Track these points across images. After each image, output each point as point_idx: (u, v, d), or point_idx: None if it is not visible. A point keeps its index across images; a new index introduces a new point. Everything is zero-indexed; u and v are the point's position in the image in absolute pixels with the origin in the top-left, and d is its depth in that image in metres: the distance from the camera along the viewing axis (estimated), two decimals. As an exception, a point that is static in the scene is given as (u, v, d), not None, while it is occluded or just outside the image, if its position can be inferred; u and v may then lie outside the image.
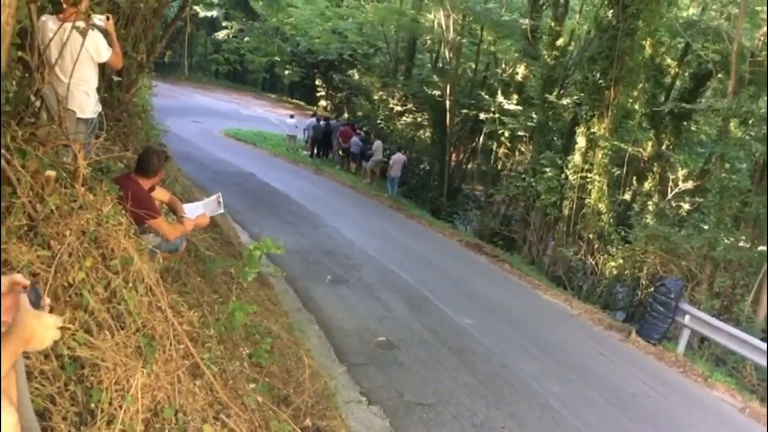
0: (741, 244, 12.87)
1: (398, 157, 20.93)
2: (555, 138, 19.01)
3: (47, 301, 1.95)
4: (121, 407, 2.65)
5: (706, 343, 11.08)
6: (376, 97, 27.85)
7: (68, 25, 3.90)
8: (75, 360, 2.68)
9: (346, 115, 33.91)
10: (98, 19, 4.71)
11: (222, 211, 5.21)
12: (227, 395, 3.46)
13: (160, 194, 4.97)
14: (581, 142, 15.54)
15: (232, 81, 48.95)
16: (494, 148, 22.36)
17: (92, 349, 2.73)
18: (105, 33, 4.81)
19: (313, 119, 26.55)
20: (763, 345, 9.18)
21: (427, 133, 25.98)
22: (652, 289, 11.77)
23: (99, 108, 4.88)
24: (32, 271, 2.72)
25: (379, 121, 26.17)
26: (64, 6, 4.19)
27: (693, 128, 18.59)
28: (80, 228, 3.06)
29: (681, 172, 16.33)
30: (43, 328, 1.79)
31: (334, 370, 7.03)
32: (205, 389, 3.34)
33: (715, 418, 8.23)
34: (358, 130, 25.11)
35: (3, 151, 2.86)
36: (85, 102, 4.63)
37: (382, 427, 6.23)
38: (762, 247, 12.42)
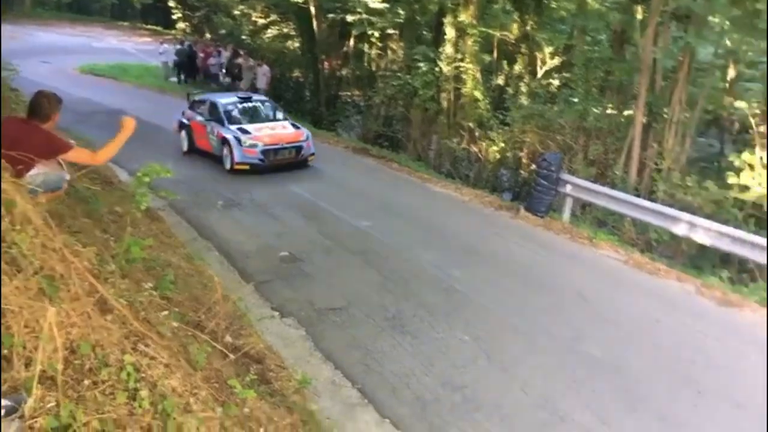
0: (609, 111, 13.60)
1: (264, 70, 20.59)
2: (425, 32, 19.00)
3: None
4: (36, 348, 2.53)
5: (588, 209, 11.78)
6: (237, 12, 26.61)
7: None
8: (-25, 308, 2.52)
9: (208, 35, 32.20)
10: None
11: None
12: (141, 326, 3.38)
13: None
14: (450, 32, 15.60)
15: (76, 13, 44.97)
16: (366, 50, 22.09)
17: (-8, 296, 2.56)
18: None
19: (165, 45, 25.83)
20: (637, 199, 10.00)
21: (296, 44, 25.20)
22: (534, 165, 12.29)
23: None
24: None
25: (244, 37, 25.14)
26: None
27: (554, 5, 18.99)
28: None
29: (547, 51, 16.79)
30: None
31: (242, 290, 6.98)
32: (118, 322, 3.25)
33: (603, 272, 8.87)
34: (219, 49, 24.21)
35: None
36: None
37: (298, 337, 6.33)
38: (628, 112, 13.21)
